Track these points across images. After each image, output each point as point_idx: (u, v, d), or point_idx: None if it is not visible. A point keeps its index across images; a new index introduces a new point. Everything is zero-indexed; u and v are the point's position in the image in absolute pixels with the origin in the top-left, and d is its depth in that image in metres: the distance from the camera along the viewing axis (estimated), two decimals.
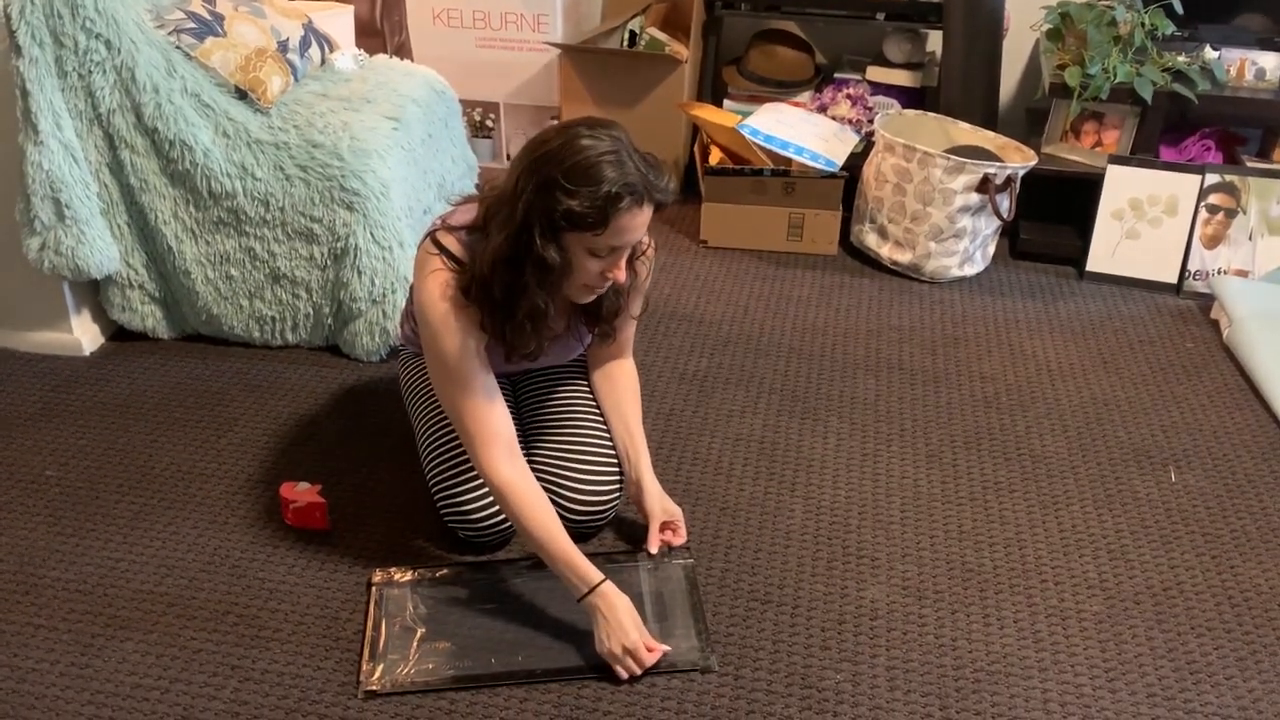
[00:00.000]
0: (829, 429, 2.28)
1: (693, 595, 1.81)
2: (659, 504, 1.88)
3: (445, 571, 1.85)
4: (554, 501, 1.86)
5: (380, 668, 1.66)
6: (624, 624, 1.64)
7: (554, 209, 1.53)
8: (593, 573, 1.66)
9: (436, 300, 1.65)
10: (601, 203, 1.52)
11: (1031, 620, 1.80)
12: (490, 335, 1.69)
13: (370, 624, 1.74)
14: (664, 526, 1.89)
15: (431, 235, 1.70)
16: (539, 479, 1.88)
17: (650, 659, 1.65)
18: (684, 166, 3.36)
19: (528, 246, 1.57)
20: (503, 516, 1.85)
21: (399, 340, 2.15)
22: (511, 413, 1.83)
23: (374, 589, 1.81)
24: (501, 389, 1.78)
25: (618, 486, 1.91)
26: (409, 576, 1.83)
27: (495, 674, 1.66)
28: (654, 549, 1.86)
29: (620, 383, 1.96)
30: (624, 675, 1.65)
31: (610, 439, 1.94)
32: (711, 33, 3.43)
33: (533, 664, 1.67)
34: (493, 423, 1.69)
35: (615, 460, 1.92)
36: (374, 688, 1.63)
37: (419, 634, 1.73)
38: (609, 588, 1.66)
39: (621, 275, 1.65)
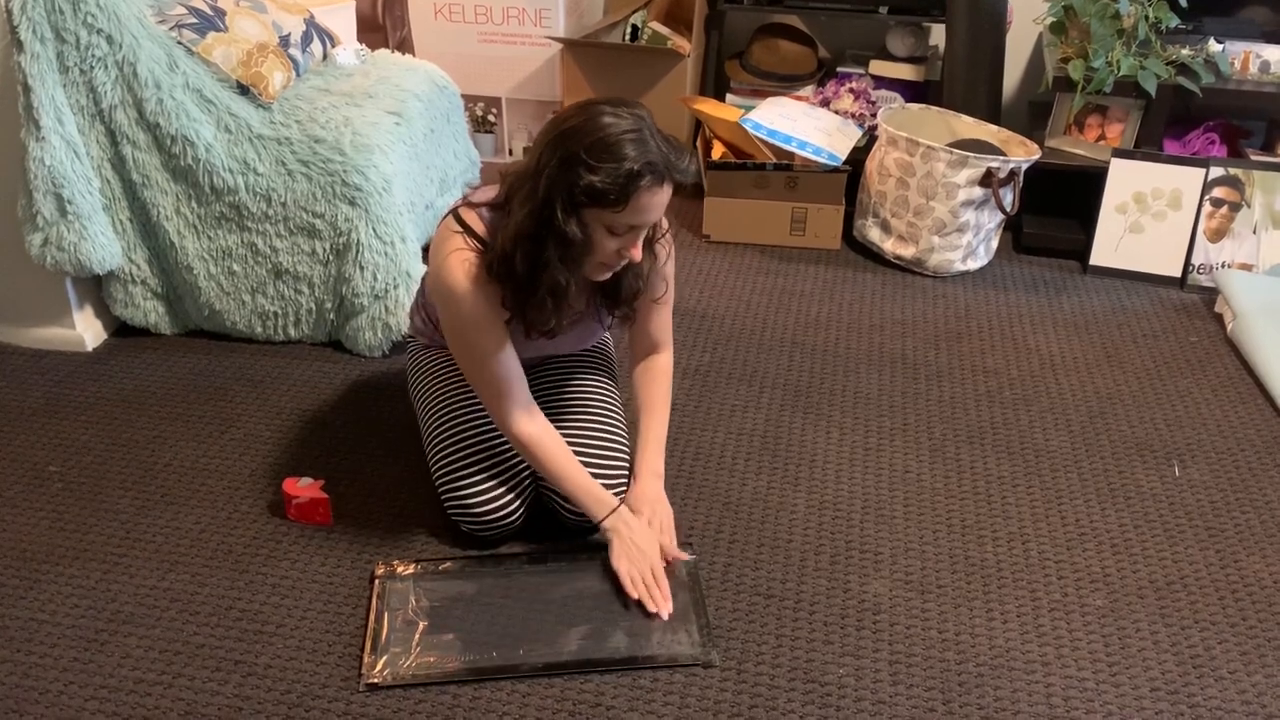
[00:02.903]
0: (832, 424, 2.28)
1: (695, 590, 1.81)
2: (646, 505, 1.85)
3: (448, 565, 1.85)
4: (561, 495, 1.86)
5: (382, 660, 1.66)
6: (640, 544, 1.78)
7: (575, 184, 1.55)
8: (610, 497, 1.82)
9: (461, 278, 1.67)
10: (623, 179, 1.54)
11: (1034, 614, 1.80)
12: (511, 312, 1.72)
13: (373, 617, 1.74)
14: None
15: (454, 212, 1.72)
16: None
17: (664, 586, 1.76)
18: None
19: (549, 222, 1.59)
20: (506, 511, 1.85)
21: (408, 332, 2.15)
22: None
23: (377, 582, 1.81)
24: None
25: (626, 478, 1.92)
26: (412, 570, 1.83)
27: (497, 667, 1.66)
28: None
29: (658, 380, 1.98)
30: (634, 594, 1.75)
31: (621, 430, 1.96)
32: (714, 27, 3.42)
33: (535, 658, 1.67)
34: (514, 383, 1.76)
35: (625, 452, 1.93)
36: (376, 680, 1.63)
37: (421, 627, 1.73)
38: (626, 510, 1.81)
39: (638, 254, 1.67)
